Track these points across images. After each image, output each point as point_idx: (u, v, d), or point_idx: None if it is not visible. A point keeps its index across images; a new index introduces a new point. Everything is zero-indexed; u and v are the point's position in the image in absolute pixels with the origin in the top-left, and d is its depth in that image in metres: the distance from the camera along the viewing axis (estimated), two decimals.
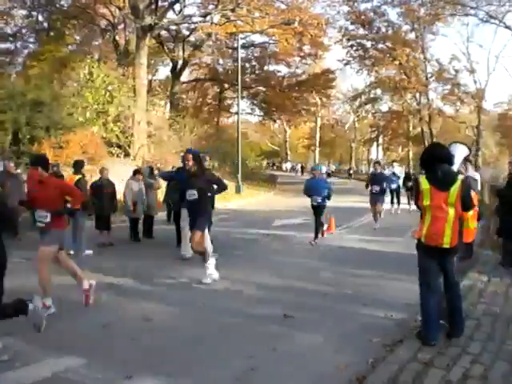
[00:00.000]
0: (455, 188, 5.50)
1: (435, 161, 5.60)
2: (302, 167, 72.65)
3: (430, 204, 5.55)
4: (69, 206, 7.80)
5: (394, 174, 22.53)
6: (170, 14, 35.89)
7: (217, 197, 12.00)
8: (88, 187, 12.13)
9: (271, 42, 45.09)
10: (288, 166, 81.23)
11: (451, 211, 5.53)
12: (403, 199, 22.20)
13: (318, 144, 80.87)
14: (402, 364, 5.01)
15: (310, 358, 5.51)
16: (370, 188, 16.64)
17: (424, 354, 5.27)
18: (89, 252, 11.41)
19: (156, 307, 7.28)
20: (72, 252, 10.99)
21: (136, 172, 14.03)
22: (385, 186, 16.67)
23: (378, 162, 18.28)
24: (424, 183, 5.59)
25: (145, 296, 7.95)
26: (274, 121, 67.27)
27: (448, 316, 5.82)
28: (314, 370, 5.19)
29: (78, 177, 11.40)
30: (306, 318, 6.83)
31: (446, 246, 5.56)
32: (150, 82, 43.01)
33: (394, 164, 24.42)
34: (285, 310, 7.05)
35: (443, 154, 5.69)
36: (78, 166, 11.84)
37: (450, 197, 5.50)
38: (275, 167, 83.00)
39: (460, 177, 5.71)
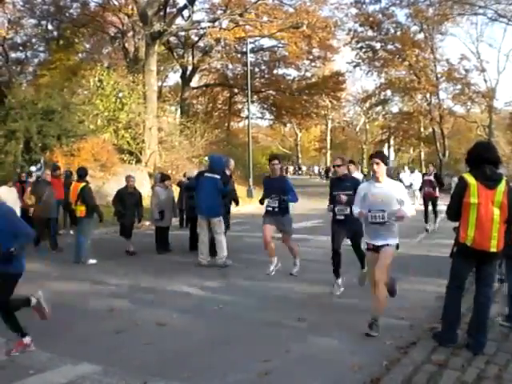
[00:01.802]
0: (501, 187, 5.38)
1: (484, 162, 5.44)
2: (326, 170, 68.85)
3: (477, 202, 5.31)
4: None
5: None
6: (179, 20, 35.93)
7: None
8: (93, 194, 11.89)
9: (280, 45, 45.09)
10: (315, 170, 78.43)
11: (497, 211, 5.34)
12: None
13: (329, 146, 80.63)
14: (417, 366, 5.00)
15: (324, 360, 5.51)
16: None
17: (438, 355, 5.26)
18: (93, 261, 11.27)
19: (170, 312, 7.30)
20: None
21: (163, 178, 13.57)
22: (291, 199, 9.49)
23: (275, 157, 10.13)
24: (470, 178, 5.38)
25: (158, 301, 7.97)
26: (285, 124, 67.09)
27: (472, 329, 5.59)
28: (329, 373, 5.19)
29: (82, 184, 11.39)
30: (319, 321, 6.83)
31: (493, 249, 5.35)
32: (160, 88, 43.11)
33: (352, 167, 13.31)
34: (298, 314, 7.06)
35: (493, 156, 5.55)
36: (81, 173, 11.81)
37: (497, 195, 5.33)
38: (300, 171, 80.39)
39: (504, 177, 5.58)
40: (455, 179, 17.32)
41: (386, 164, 6.52)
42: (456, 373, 4.83)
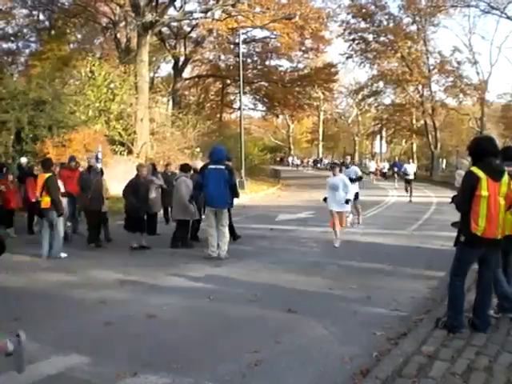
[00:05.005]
0: (505, 178, 5.62)
1: (488, 154, 5.64)
2: (342, 164, 61.86)
3: (488, 194, 5.51)
4: None
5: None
6: (171, 11, 35.71)
7: None
8: (57, 186, 11.24)
9: (272, 36, 44.87)
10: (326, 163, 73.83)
11: (502, 201, 5.61)
12: None
13: (321, 138, 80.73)
14: (407, 357, 5.00)
15: (314, 351, 5.51)
16: None
17: (428, 346, 5.27)
18: (64, 255, 10.91)
19: (160, 304, 7.27)
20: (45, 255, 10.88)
21: (188, 168, 12.68)
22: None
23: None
24: (480, 172, 5.54)
25: (148, 293, 7.95)
26: (277, 116, 67.00)
27: (477, 310, 5.83)
28: (319, 364, 5.19)
29: (47, 175, 11.16)
30: (310, 312, 6.82)
31: (499, 236, 5.64)
32: (151, 79, 42.93)
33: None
34: (289, 305, 7.05)
35: (496, 149, 5.80)
36: (46, 164, 11.45)
37: (502, 186, 5.58)
38: (318, 165, 76.34)
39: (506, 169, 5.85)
40: (460, 172, 16.98)
41: None
42: (446, 364, 4.84)
